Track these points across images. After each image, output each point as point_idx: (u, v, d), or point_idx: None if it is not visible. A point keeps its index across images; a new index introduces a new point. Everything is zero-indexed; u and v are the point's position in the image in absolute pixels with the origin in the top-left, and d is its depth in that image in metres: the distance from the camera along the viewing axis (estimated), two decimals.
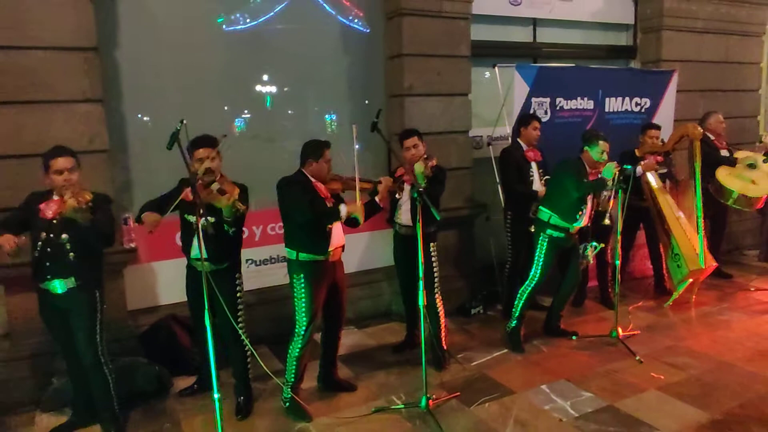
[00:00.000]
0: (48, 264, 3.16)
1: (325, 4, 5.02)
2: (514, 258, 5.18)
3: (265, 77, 4.93)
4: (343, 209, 3.49)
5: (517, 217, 5.04)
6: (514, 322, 4.52)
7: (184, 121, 2.99)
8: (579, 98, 5.65)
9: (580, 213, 4.34)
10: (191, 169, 3.19)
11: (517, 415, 3.52)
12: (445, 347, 4.26)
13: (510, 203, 5.13)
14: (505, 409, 3.61)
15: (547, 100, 5.46)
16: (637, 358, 4.21)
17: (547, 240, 4.39)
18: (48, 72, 3.81)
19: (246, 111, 4.86)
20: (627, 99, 5.97)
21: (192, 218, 3.47)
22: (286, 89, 5.01)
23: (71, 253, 3.14)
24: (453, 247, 5.40)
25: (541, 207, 4.49)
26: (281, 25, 4.86)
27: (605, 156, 4.32)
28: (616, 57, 6.84)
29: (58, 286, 3.18)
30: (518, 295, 4.52)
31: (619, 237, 4.55)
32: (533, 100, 5.36)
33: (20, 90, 3.75)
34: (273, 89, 4.98)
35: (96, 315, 3.29)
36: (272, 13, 4.84)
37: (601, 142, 4.30)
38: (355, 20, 5.17)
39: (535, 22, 6.19)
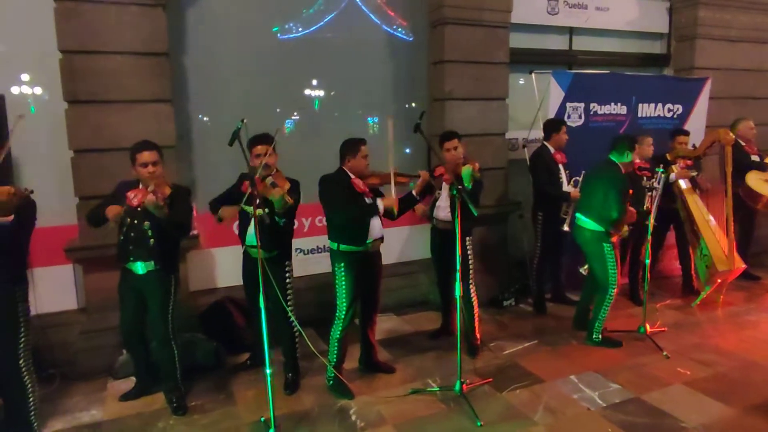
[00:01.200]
0: (131, 247, 3.28)
1: (371, 15, 5.04)
2: (541, 255, 5.12)
3: (315, 82, 4.99)
4: (380, 204, 3.52)
5: (548, 218, 4.96)
6: (597, 333, 4.32)
7: (245, 120, 3.06)
8: (613, 104, 5.52)
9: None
10: (250, 164, 3.26)
11: (546, 403, 3.47)
12: (478, 336, 4.23)
13: (541, 204, 5.04)
14: (535, 396, 3.56)
15: (582, 105, 5.35)
16: (664, 353, 4.09)
17: (611, 246, 4.19)
18: (125, 74, 3.94)
19: (297, 112, 4.93)
20: (660, 105, 5.79)
21: (249, 209, 3.56)
22: (334, 93, 5.05)
23: (152, 240, 3.25)
24: (487, 243, 5.34)
25: (588, 220, 4.21)
26: (330, 34, 4.91)
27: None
28: (650, 65, 6.63)
29: (140, 267, 3.31)
30: (601, 310, 4.27)
31: (649, 237, 4.40)
32: (568, 105, 5.26)
33: (101, 91, 3.89)
34: (322, 93, 5.03)
35: (169, 297, 3.40)
36: (322, 23, 4.89)
37: (636, 146, 4.22)
38: (399, 29, 5.17)
39: (571, 31, 6.08)
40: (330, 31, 4.90)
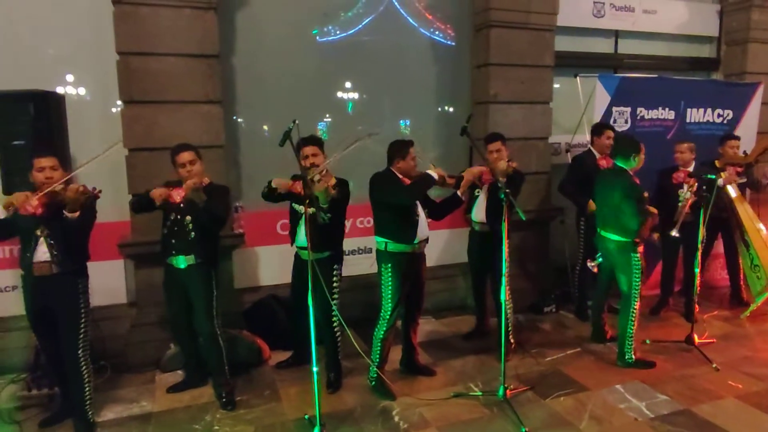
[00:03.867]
0: (174, 241, 3.40)
1: (409, 18, 5.07)
2: (584, 262, 5.03)
3: (355, 84, 5.02)
4: (434, 173, 3.52)
5: (591, 224, 4.87)
6: (630, 353, 4.03)
7: (296, 122, 3.10)
8: (660, 108, 5.41)
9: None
10: (302, 164, 3.31)
11: (591, 411, 3.42)
12: (511, 339, 4.17)
13: (584, 210, 4.97)
14: (580, 404, 3.52)
15: (628, 109, 5.26)
16: (714, 365, 3.98)
17: (639, 257, 3.94)
18: (178, 76, 4.06)
19: (337, 114, 4.97)
20: (709, 110, 5.65)
21: (299, 207, 3.63)
22: (374, 95, 5.08)
23: (192, 233, 3.36)
24: (528, 247, 5.30)
25: (610, 232, 4.03)
26: (368, 37, 4.95)
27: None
28: (698, 69, 6.48)
29: (181, 261, 3.42)
30: (627, 326, 4.01)
31: (699, 246, 4.29)
32: (614, 109, 5.18)
33: (154, 91, 4.01)
34: (362, 95, 5.06)
35: (211, 291, 3.50)
36: (360, 26, 4.94)
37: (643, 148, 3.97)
38: (437, 33, 5.18)
39: (617, 34, 6.00)
40: (368, 34, 4.94)
